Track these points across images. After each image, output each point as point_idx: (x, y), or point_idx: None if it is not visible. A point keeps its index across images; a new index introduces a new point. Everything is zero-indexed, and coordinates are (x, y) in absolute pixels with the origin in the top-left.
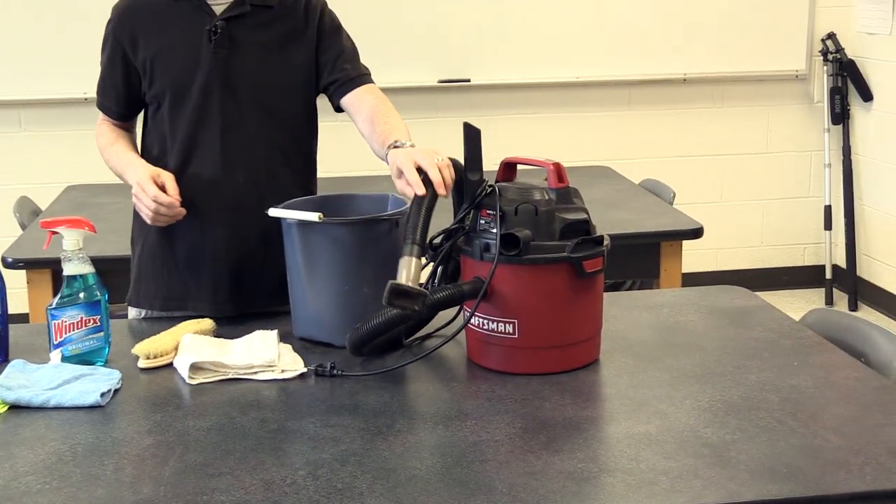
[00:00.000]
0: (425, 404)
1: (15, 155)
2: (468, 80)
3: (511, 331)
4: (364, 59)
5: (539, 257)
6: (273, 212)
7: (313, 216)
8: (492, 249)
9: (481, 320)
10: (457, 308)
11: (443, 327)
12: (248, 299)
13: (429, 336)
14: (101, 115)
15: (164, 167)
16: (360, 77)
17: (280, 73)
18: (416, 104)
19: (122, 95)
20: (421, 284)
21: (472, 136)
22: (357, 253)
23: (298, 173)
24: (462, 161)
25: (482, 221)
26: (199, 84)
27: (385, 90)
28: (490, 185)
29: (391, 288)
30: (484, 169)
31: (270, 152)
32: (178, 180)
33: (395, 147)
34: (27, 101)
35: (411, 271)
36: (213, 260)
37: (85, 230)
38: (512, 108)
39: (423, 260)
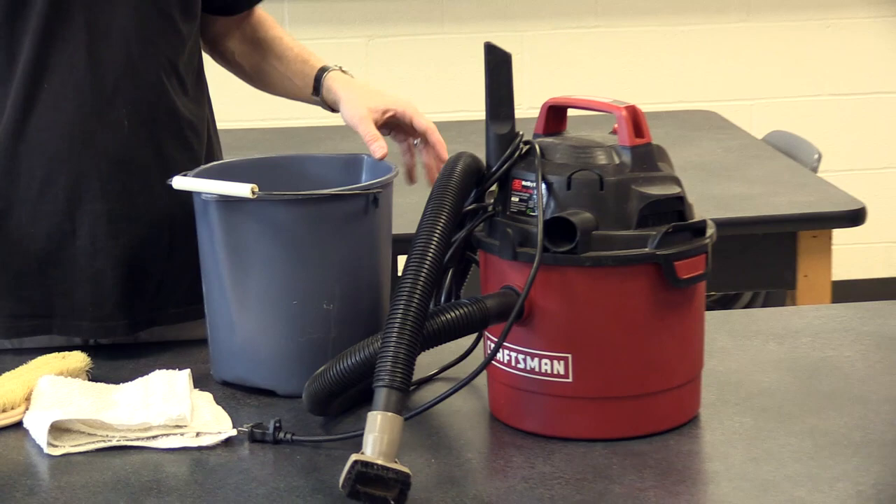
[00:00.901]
0: (424, 487)
1: None
2: None
3: (561, 372)
4: None
5: (606, 256)
6: (180, 182)
7: (244, 189)
8: (531, 243)
9: (514, 356)
10: (473, 336)
11: (450, 366)
12: (149, 309)
13: (429, 380)
14: None
15: None
16: None
17: None
18: (413, 13)
19: None
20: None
21: (498, 65)
22: (312, 247)
23: (199, 106)
24: (483, 159)
25: (515, 199)
26: None
27: None
28: (527, 142)
29: (353, 469)
30: (517, 116)
31: (164, 75)
32: (21, 129)
33: (330, 71)
34: None
35: (384, 440)
36: (90, 252)
37: None
38: (558, 20)
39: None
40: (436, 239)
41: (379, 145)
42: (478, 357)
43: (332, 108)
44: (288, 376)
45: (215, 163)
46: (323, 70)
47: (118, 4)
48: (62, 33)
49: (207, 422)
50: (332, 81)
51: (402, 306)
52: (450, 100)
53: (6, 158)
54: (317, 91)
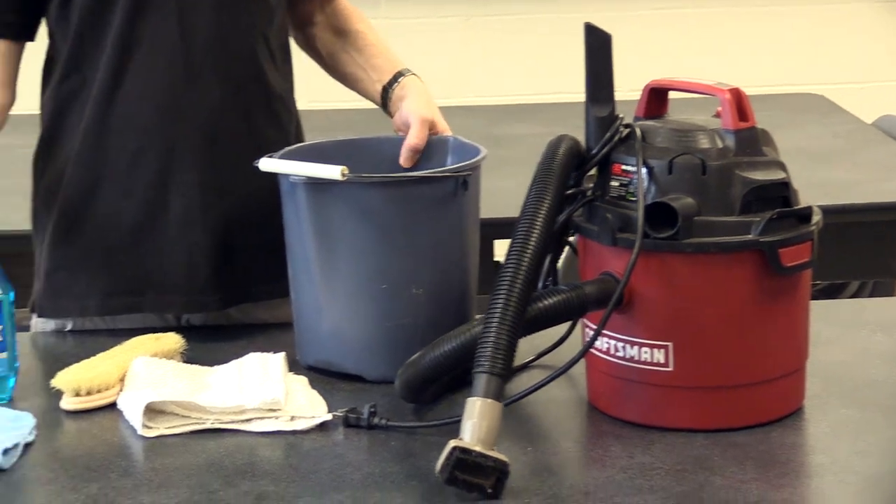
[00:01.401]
0: (521, 476)
1: None
2: None
3: (662, 360)
4: None
5: (709, 242)
6: (266, 164)
7: (333, 171)
8: (631, 228)
9: (613, 344)
10: (569, 323)
11: (547, 352)
12: (241, 285)
13: (526, 366)
14: None
15: (83, 86)
16: None
17: None
18: None
19: None
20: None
21: (597, 46)
22: (400, 230)
23: (286, 81)
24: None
25: (615, 184)
26: None
27: None
28: (627, 125)
29: (452, 455)
30: (617, 98)
31: (254, 45)
32: (111, 101)
33: (410, 74)
34: None
35: (483, 426)
36: (182, 224)
37: None
38: (660, 0)
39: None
40: (539, 224)
41: (414, 154)
42: (575, 344)
43: (387, 107)
44: (376, 362)
45: (300, 144)
46: (406, 71)
47: None
48: (153, 4)
49: (302, 406)
50: (412, 81)
51: (504, 292)
52: (548, 81)
53: (96, 132)
54: (390, 84)
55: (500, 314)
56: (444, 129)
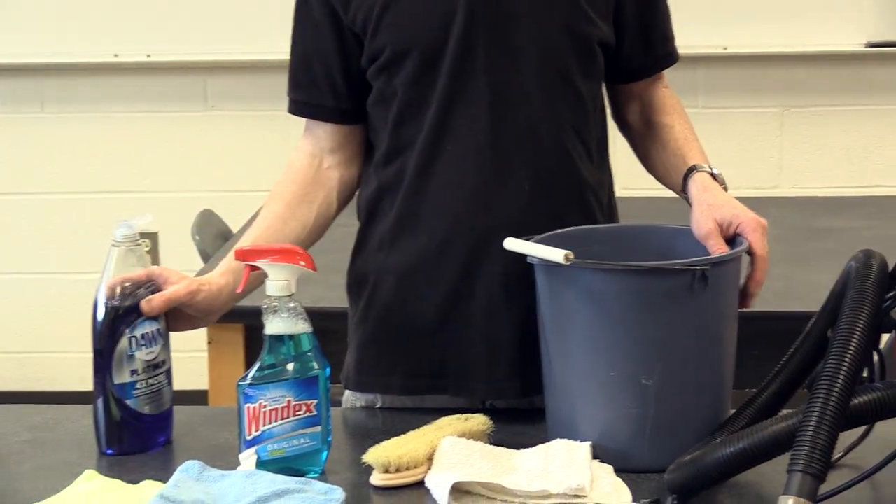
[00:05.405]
0: None
1: (197, 144)
2: None
3: None
4: (749, 10)
5: None
6: (510, 244)
7: (558, 255)
8: None
9: None
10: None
11: (853, 447)
12: (541, 372)
13: (834, 464)
14: (304, 127)
15: (399, 174)
16: (668, 57)
17: (571, 13)
18: (831, 83)
19: (338, 78)
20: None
21: None
22: (630, 320)
23: (602, 172)
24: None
25: None
26: (457, 38)
27: (776, 58)
28: None
29: None
30: None
31: (566, 141)
32: (422, 191)
33: (693, 174)
34: (218, 63)
35: None
36: (486, 314)
37: (300, 265)
38: None
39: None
40: (864, 318)
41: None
42: (879, 440)
43: None
44: (603, 449)
45: (570, 229)
46: (691, 170)
47: (521, 66)
48: (466, 95)
49: (607, 493)
50: (692, 183)
51: (825, 387)
52: (868, 173)
53: (407, 219)
54: (684, 188)
55: (820, 411)
56: (741, 220)
